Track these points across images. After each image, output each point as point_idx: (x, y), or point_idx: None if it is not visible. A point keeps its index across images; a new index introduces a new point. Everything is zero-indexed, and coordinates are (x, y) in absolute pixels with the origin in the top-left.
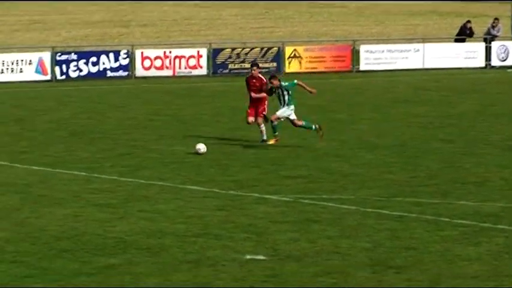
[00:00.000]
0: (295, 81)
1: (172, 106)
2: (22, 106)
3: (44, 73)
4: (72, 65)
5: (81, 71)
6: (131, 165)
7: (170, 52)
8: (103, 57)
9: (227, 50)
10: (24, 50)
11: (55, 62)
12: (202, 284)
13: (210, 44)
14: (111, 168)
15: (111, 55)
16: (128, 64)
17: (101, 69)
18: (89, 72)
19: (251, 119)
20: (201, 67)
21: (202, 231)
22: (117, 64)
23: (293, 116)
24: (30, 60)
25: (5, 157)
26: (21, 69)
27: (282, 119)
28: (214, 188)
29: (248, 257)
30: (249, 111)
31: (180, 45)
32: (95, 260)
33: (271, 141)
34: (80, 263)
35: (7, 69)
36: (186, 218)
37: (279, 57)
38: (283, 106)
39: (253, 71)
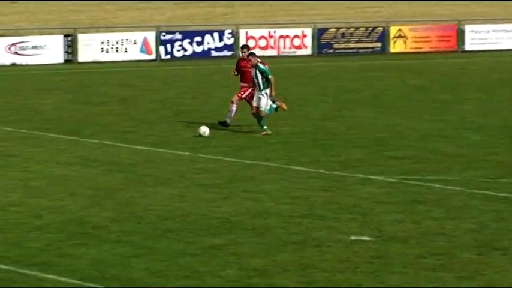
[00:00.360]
0: (270, 76)
1: (276, 86)
2: (126, 85)
3: (149, 52)
4: (176, 44)
5: (185, 50)
6: (236, 146)
7: (275, 32)
8: (207, 37)
9: (332, 29)
10: (129, 30)
11: (160, 42)
12: (307, 265)
13: (314, 23)
14: (215, 148)
15: (216, 35)
16: (232, 44)
17: (206, 49)
18: (193, 52)
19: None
20: (305, 47)
21: (307, 212)
22: (221, 44)
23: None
24: (135, 40)
25: (109, 136)
26: (125, 48)
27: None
28: (318, 168)
29: (353, 237)
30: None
31: (285, 25)
32: (200, 240)
33: (263, 133)
34: (184, 243)
35: (112, 48)
36: (291, 198)
37: (383, 37)
38: (259, 90)
39: (243, 54)
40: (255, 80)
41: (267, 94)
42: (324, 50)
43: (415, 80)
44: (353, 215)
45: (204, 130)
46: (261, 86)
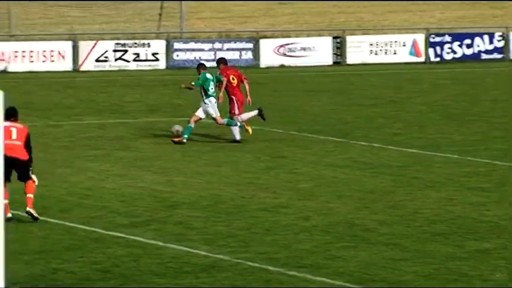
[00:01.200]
0: (222, 78)
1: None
2: (396, 88)
3: (418, 55)
4: (446, 47)
5: (455, 53)
6: (505, 149)
7: None
8: (477, 40)
9: None
10: (397, 32)
11: (429, 44)
12: None
13: None
14: (485, 152)
15: (486, 37)
16: (502, 47)
17: (475, 51)
18: (463, 54)
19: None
20: None
21: None
22: (491, 46)
23: (215, 114)
24: (404, 42)
25: (378, 139)
26: (394, 50)
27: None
28: None
29: None
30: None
31: None
32: (468, 244)
33: (179, 139)
34: (452, 247)
35: (380, 50)
36: None
37: None
38: (203, 98)
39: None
40: (201, 89)
41: (210, 102)
42: None
43: None
44: None
45: (176, 128)
46: (203, 96)
